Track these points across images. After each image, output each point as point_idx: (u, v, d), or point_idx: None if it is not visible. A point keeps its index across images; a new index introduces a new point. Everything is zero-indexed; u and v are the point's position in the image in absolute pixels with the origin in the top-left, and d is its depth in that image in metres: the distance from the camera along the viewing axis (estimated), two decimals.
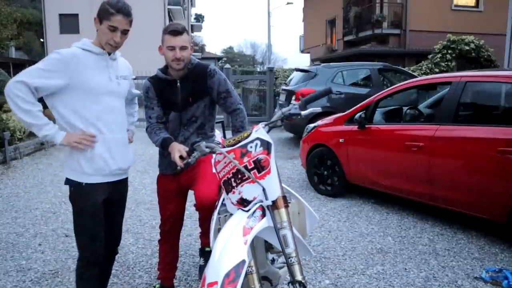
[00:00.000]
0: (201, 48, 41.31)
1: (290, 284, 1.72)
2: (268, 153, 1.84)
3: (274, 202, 1.80)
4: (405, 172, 4.11)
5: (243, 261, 1.59)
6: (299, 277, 1.70)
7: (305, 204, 2.24)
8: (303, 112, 2.07)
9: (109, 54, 2.14)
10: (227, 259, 1.61)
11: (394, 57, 17.33)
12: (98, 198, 2.13)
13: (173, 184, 2.54)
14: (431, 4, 17.61)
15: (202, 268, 2.94)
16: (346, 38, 21.08)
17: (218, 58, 46.61)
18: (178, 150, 2.15)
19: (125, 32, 2.09)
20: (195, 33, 43.57)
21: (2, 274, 3.10)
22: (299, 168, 6.34)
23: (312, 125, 5.48)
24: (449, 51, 12.00)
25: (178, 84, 2.43)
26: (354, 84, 8.63)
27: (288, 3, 32.18)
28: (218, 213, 2.04)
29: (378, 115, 4.86)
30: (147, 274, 3.09)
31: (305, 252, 2.06)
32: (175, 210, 2.58)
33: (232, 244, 1.66)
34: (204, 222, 2.55)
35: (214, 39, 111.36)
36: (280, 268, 2.18)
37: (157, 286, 2.72)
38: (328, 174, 5.07)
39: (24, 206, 4.74)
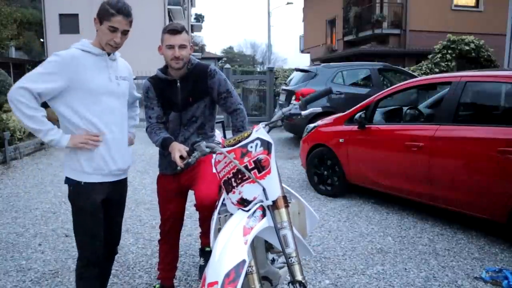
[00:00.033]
0: (201, 48, 41.30)
1: (290, 284, 1.72)
2: (269, 153, 1.84)
3: (274, 202, 1.80)
4: (405, 172, 4.11)
5: (243, 261, 1.59)
6: (299, 277, 1.70)
7: (305, 204, 2.24)
8: (303, 112, 2.08)
9: (109, 54, 2.14)
10: (227, 259, 1.61)
11: (394, 57, 17.33)
12: (97, 198, 2.13)
13: (173, 184, 2.54)
14: (431, 4, 17.61)
15: (202, 268, 2.95)
16: (346, 38, 21.08)
17: (218, 58, 46.60)
18: (178, 150, 2.15)
19: (125, 33, 2.09)
20: (195, 33, 43.57)
21: (2, 274, 3.11)
22: (299, 168, 6.34)
23: (312, 125, 5.48)
24: (449, 51, 12.00)
25: (178, 84, 2.43)
26: (354, 84, 8.63)
27: (288, 3, 32.17)
28: (219, 213, 2.04)
29: (378, 115, 4.86)
30: (147, 274, 3.09)
31: (305, 252, 2.06)
32: (175, 210, 2.58)
33: (232, 244, 1.66)
34: (204, 222, 2.55)
35: (214, 39, 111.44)
36: (280, 268, 2.18)
37: (157, 286, 2.72)
38: (328, 174, 5.07)
39: (24, 206, 4.74)
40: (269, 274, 2.06)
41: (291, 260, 1.72)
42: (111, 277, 2.64)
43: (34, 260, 3.33)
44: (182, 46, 2.31)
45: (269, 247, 2.10)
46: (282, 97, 8.82)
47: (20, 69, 22.39)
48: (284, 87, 9.08)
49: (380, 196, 4.83)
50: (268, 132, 1.93)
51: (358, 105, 4.79)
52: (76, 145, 2.04)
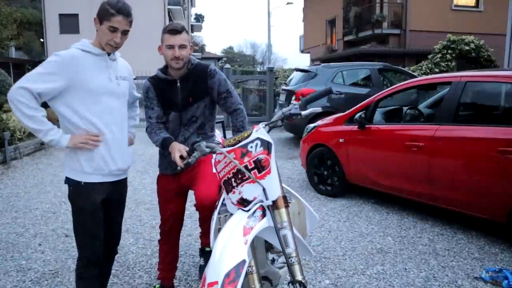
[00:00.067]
0: (201, 48, 41.30)
1: (290, 284, 1.72)
2: (269, 153, 1.84)
3: (274, 202, 1.80)
4: (405, 172, 4.11)
5: (244, 261, 1.59)
6: (299, 277, 1.70)
7: (305, 204, 2.24)
8: (303, 112, 2.08)
9: (109, 54, 2.14)
10: (227, 259, 1.61)
11: (394, 57, 17.33)
12: (97, 198, 2.13)
13: (173, 184, 2.54)
14: (431, 4, 17.61)
15: (202, 268, 2.95)
16: (346, 38, 21.08)
17: (218, 58, 46.59)
18: (178, 150, 2.15)
19: (125, 33, 2.08)
20: (195, 33, 43.56)
21: (2, 274, 3.10)
22: (299, 168, 6.34)
23: (312, 125, 5.48)
24: (449, 51, 12.00)
25: (178, 84, 2.43)
26: (354, 84, 8.63)
27: (288, 3, 32.17)
28: (219, 213, 2.04)
29: (378, 115, 4.86)
30: (147, 274, 3.09)
31: (305, 252, 2.06)
32: (175, 210, 2.58)
33: (232, 244, 1.66)
34: (204, 222, 2.55)
35: (214, 39, 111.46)
36: (280, 268, 2.18)
37: (157, 286, 2.72)
38: (328, 174, 5.07)
39: (24, 206, 4.74)
40: (269, 274, 2.06)
41: (291, 260, 1.72)
42: (111, 277, 2.64)
43: (34, 260, 3.33)
44: (182, 46, 2.31)
45: (269, 247, 2.10)
46: (282, 97, 8.82)
47: (20, 69, 22.39)
48: (284, 87, 9.08)
49: (380, 196, 4.83)
50: (268, 132, 1.94)
51: (358, 105, 4.79)
52: (76, 145, 2.04)
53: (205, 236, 2.84)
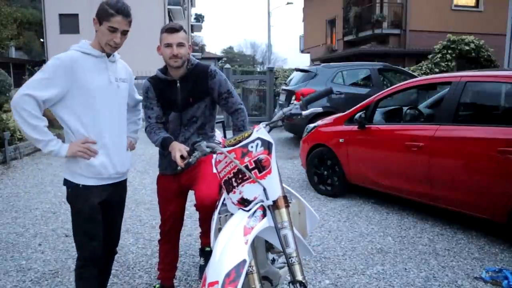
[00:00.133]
0: (201, 48, 41.30)
1: (290, 284, 1.72)
2: (269, 153, 1.84)
3: (274, 202, 1.80)
4: (405, 172, 4.11)
5: (244, 261, 1.59)
6: (299, 277, 1.70)
7: (305, 204, 2.24)
8: (304, 112, 2.08)
9: (108, 56, 2.13)
10: (228, 258, 1.61)
11: (394, 57, 17.33)
12: (96, 200, 2.13)
13: (173, 185, 2.54)
14: (431, 4, 17.61)
15: (202, 268, 2.94)
16: (346, 38, 21.08)
17: (218, 58, 46.57)
18: (178, 149, 2.14)
19: (124, 33, 2.08)
20: (195, 33, 43.56)
21: (2, 274, 3.10)
22: (299, 168, 6.34)
23: (312, 125, 5.47)
24: (449, 51, 12.01)
25: (178, 84, 2.43)
26: (354, 84, 8.63)
27: (288, 3, 32.18)
28: (219, 213, 2.04)
29: (378, 115, 4.86)
30: (147, 274, 3.09)
31: (305, 252, 2.06)
32: (175, 210, 2.58)
33: (233, 244, 1.66)
34: (205, 222, 2.55)
35: (214, 39, 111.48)
36: (281, 268, 2.18)
37: (157, 286, 2.72)
38: (328, 174, 5.07)
39: (24, 206, 4.74)
40: (269, 274, 2.06)
41: (291, 260, 1.72)
42: (111, 277, 2.64)
43: (34, 260, 3.33)
44: (180, 44, 2.31)
45: (269, 247, 2.10)
46: (282, 97, 8.82)
47: (20, 69, 22.40)
48: (284, 87, 9.09)
49: (380, 196, 4.83)
50: (268, 132, 1.94)
51: (358, 105, 4.79)
52: (74, 154, 2.03)
53: (205, 236, 2.84)
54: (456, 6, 18.39)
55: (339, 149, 4.85)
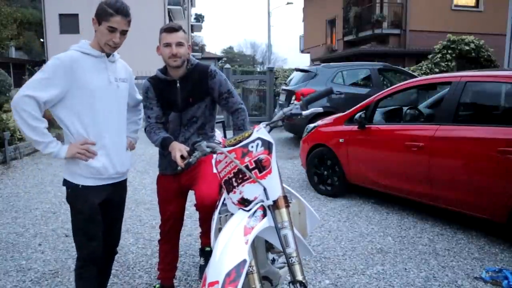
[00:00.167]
0: (201, 48, 41.28)
1: (290, 284, 1.72)
2: (269, 153, 1.84)
3: (275, 202, 1.80)
4: (405, 172, 4.12)
5: (244, 261, 1.59)
6: (299, 277, 1.70)
7: (306, 204, 2.24)
8: (304, 112, 2.07)
9: (108, 56, 2.13)
10: (228, 258, 1.61)
11: (394, 57, 17.34)
12: (95, 200, 2.12)
13: (173, 185, 2.54)
14: (431, 4, 17.62)
15: (202, 268, 2.94)
16: (346, 38, 21.09)
17: (218, 58, 46.56)
18: (179, 149, 2.14)
19: (124, 33, 2.08)
20: (195, 33, 43.55)
21: (2, 274, 3.10)
22: (299, 168, 6.34)
23: (312, 125, 5.48)
24: (449, 51, 12.01)
25: (178, 84, 2.43)
26: (354, 84, 8.63)
27: (288, 3, 32.18)
28: (219, 213, 2.04)
29: (378, 115, 4.86)
30: (147, 274, 3.09)
31: (305, 252, 2.06)
32: (175, 210, 2.58)
33: (233, 243, 1.66)
34: (205, 222, 2.55)
35: (214, 39, 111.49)
36: (281, 268, 2.18)
37: (157, 286, 2.72)
38: (328, 174, 5.07)
39: (24, 206, 4.74)
40: (269, 274, 2.06)
41: (291, 260, 1.72)
42: (111, 277, 2.64)
43: (34, 260, 3.33)
44: (179, 44, 2.31)
45: (269, 247, 2.10)
46: (282, 97, 8.82)
47: (20, 69, 22.41)
48: (284, 87, 9.09)
49: (380, 196, 4.83)
50: (269, 132, 1.94)
51: (358, 105, 4.79)
52: (74, 155, 2.03)
53: (205, 236, 2.83)
54: (456, 6, 18.39)
55: (339, 149, 4.85)
